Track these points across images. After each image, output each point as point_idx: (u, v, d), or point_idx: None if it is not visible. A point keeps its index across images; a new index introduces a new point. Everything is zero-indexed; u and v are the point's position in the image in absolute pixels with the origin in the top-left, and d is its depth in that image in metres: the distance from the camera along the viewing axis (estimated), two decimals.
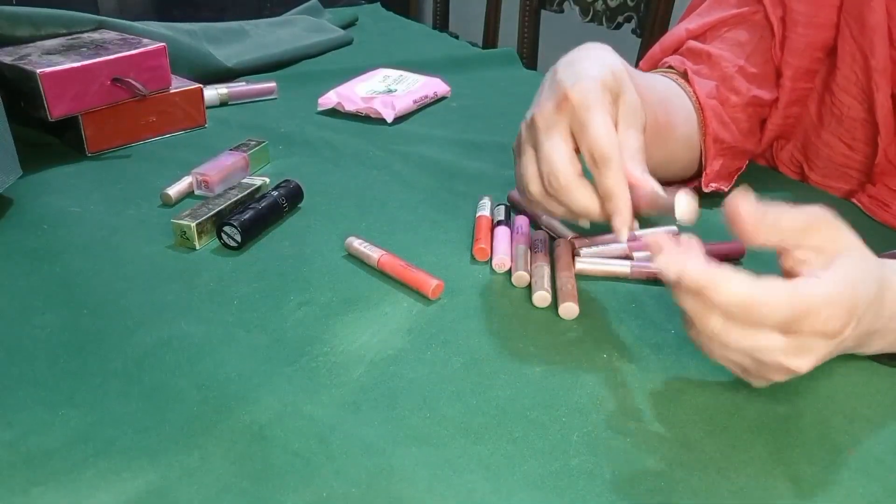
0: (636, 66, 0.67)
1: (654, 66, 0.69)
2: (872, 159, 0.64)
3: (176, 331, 0.47)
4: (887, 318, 0.40)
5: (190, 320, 0.48)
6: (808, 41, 0.63)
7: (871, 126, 0.63)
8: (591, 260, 0.54)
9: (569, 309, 0.48)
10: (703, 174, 0.63)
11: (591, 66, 0.48)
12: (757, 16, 0.65)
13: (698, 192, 0.62)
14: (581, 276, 0.53)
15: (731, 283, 0.36)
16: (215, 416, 0.40)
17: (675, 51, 0.68)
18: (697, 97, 0.62)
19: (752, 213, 0.38)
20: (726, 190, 0.65)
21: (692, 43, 0.67)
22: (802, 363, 0.38)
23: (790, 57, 0.64)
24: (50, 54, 0.70)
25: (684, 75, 0.64)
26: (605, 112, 0.46)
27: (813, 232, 0.39)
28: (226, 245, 0.56)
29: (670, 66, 0.66)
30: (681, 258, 0.38)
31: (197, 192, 0.65)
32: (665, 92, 0.61)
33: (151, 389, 0.42)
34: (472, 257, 0.56)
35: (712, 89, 0.63)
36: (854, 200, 0.66)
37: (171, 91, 0.75)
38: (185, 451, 0.38)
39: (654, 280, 0.53)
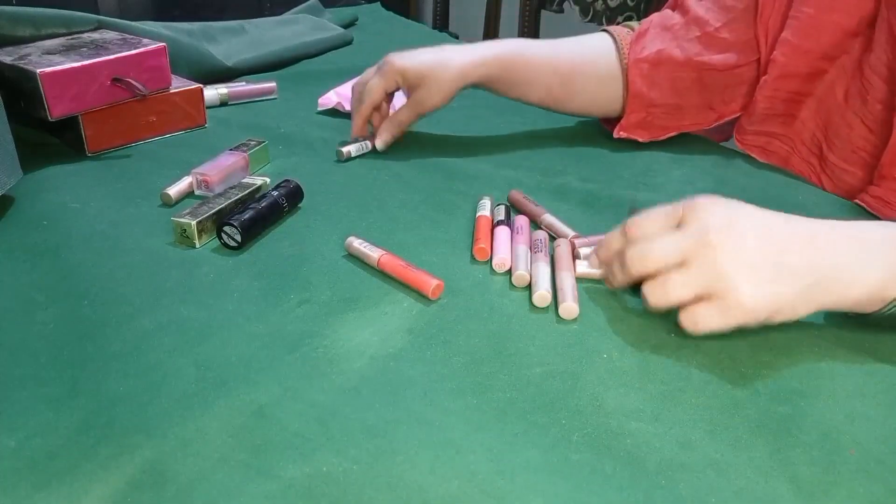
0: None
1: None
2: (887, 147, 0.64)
3: (175, 316, 0.47)
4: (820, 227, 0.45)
5: (190, 307, 0.48)
6: (816, 24, 0.67)
7: (890, 111, 0.63)
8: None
9: (569, 309, 0.48)
10: (618, 124, 0.77)
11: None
12: None
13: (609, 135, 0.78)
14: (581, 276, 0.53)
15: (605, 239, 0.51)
16: (213, 393, 0.40)
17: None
18: (628, 59, 0.75)
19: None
20: (642, 141, 0.77)
21: None
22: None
23: (790, 35, 0.68)
24: (50, 54, 0.70)
25: (641, 35, 0.76)
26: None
27: (671, 217, 0.47)
28: (226, 245, 0.56)
29: (630, 27, 0.78)
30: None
31: (197, 192, 0.65)
32: (575, 57, 0.76)
33: (149, 368, 0.42)
34: (472, 257, 0.56)
35: (651, 53, 0.74)
36: (857, 201, 0.66)
37: (171, 91, 0.75)
38: (181, 424, 0.38)
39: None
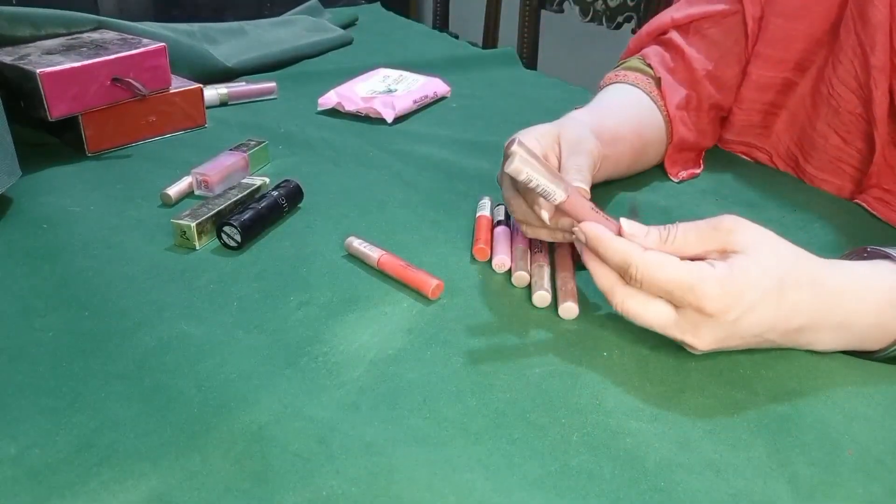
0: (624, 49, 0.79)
1: (639, 49, 0.75)
2: (866, 155, 0.64)
3: (176, 331, 0.47)
4: (817, 314, 0.42)
5: (190, 321, 0.48)
6: (786, 33, 0.67)
7: (867, 122, 0.63)
8: None
9: (569, 309, 0.48)
10: (673, 175, 0.71)
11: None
12: (738, 16, 0.69)
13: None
14: (581, 274, 0.53)
15: (616, 241, 0.43)
16: (215, 418, 0.40)
17: (658, 37, 0.74)
18: (667, 109, 0.70)
19: (634, 234, 0.43)
20: (699, 172, 0.72)
21: (673, 35, 0.72)
22: (696, 341, 0.42)
23: (763, 47, 0.69)
24: (50, 54, 0.70)
25: (658, 82, 0.70)
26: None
27: (710, 240, 0.43)
28: (226, 245, 0.56)
29: (648, 64, 0.72)
30: (583, 223, 0.44)
31: (197, 192, 0.65)
32: (637, 118, 0.68)
33: (152, 391, 0.42)
34: (472, 257, 0.56)
35: (682, 100, 0.70)
36: (858, 201, 0.66)
37: (171, 91, 0.75)
38: (186, 454, 0.37)
39: None
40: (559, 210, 0.47)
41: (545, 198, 0.46)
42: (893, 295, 0.43)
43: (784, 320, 0.42)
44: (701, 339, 0.42)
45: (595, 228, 0.44)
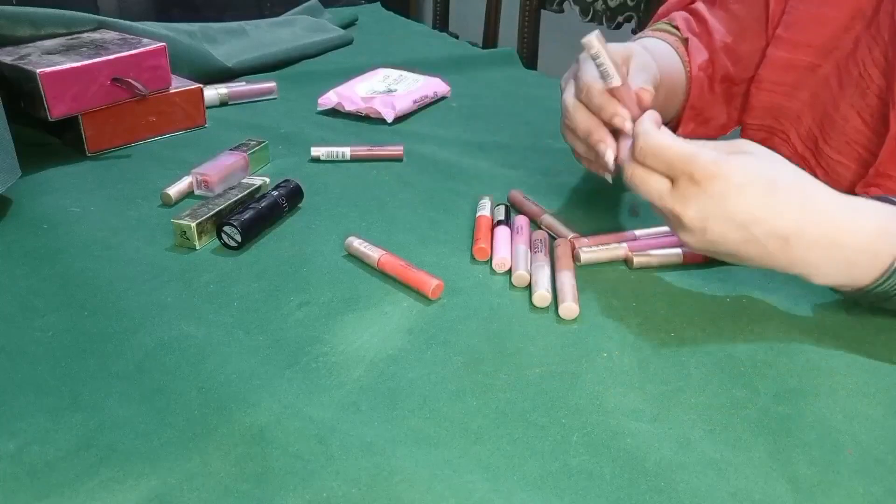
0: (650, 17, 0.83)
1: (667, 14, 0.77)
2: (883, 139, 0.64)
3: (176, 332, 0.47)
4: (805, 223, 0.44)
5: (190, 322, 0.48)
6: (813, 17, 0.67)
7: (889, 105, 0.63)
8: (592, 249, 0.55)
9: (569, 309, 0.48)
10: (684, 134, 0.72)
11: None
12: None
13: None
14: (581, 274, 0.53)
15: (644, 122, 0.47)
16: (215, 419, 0.40)
17: (687, 5, 0.77)
18: (691, 68, 0.72)
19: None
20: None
21: (699, 5, 0.75)
22: (683, 210, 0.45)
23: (784, 31, 0.69)
24: (50, 54, 0.70)
25: (685, 42, 0.73)
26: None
27: (726, 150, 0.46)
28: (226, 245, 0.56)
29: (676, 27, 0.74)
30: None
31: (197, 192, 0.65)
32: (669, 66, 0.71)
33: (152, 392, 0.42)
34: (472, 257, 0.56)
35: (704, 62, 0.72)
36: None
37: (171, 91, 0.75)
38: (186, 456, 0.37)
39: (655, 268, 0.53)
40: (610, 93, 0.52)
41: (604, 78, 0.51)
42: (888, 225, 0.45)
43: (771, 218, 0.44)
44: (687, 209, 0.45)
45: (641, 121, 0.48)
